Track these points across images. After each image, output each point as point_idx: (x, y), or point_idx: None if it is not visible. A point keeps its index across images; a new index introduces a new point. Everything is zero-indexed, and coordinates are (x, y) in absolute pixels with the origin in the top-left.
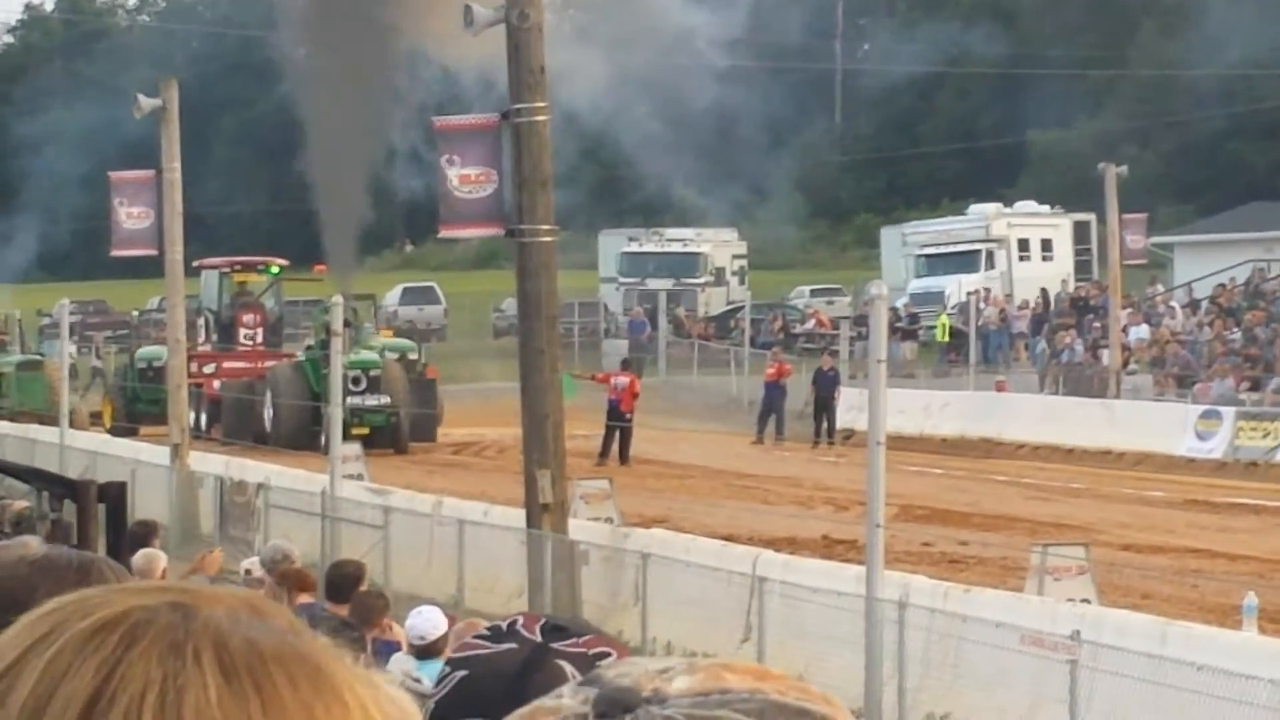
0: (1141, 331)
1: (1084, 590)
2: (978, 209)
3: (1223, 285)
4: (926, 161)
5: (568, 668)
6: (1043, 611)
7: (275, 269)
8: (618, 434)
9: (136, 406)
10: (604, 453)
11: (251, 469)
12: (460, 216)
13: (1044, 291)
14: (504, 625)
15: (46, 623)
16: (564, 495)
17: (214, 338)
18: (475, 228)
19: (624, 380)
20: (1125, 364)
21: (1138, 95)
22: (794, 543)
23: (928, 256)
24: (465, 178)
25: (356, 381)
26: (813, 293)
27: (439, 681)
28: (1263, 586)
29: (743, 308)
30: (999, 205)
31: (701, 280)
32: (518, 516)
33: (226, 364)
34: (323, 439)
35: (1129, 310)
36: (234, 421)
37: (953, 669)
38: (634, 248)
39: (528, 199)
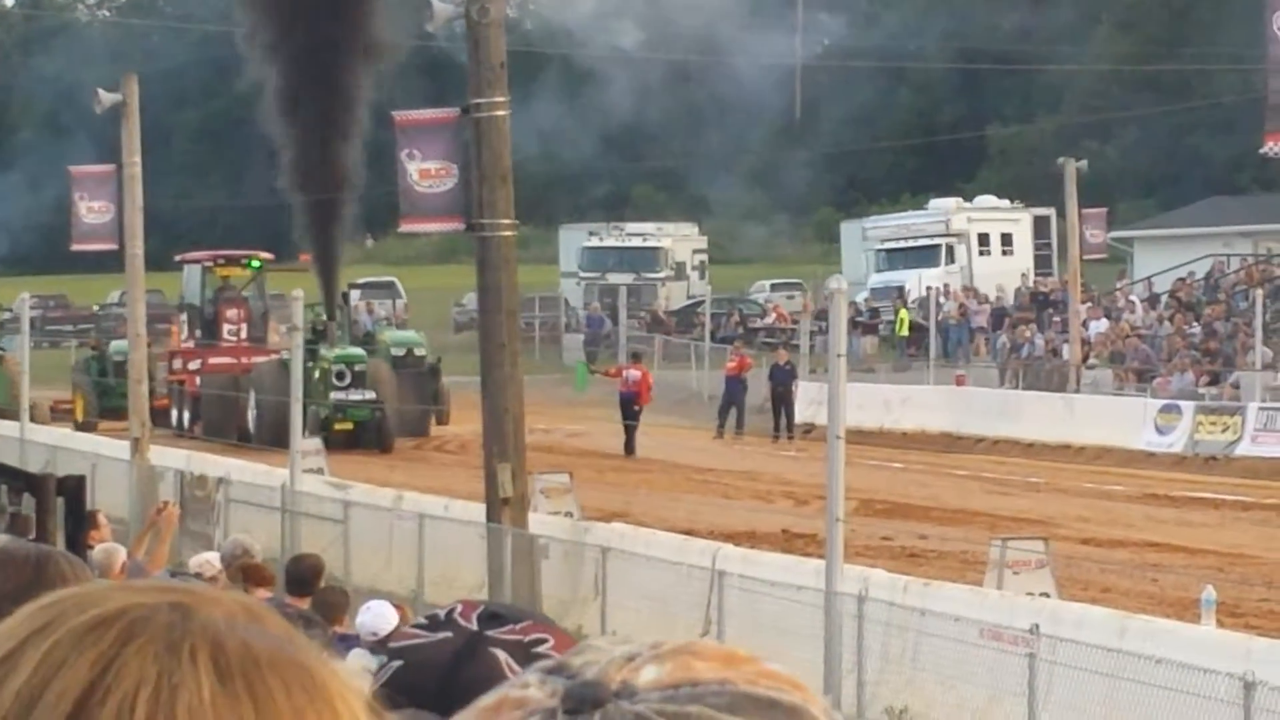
0: (1101, 326)
1: (1043, 584)
2: (938, 204)
3: (1182, 280)
4: (886, 156)
5: (502, 656)
6: (1002, 605)
7: (258, 263)
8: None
9: (111, 401)
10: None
11: (212, 463)
12: (420, 211)
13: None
14: (441, 614)
15: (45, 615)
16: (524, 489)
17: (197, 334)
18: (435, 222)
19: (636, 374)
20: (1085, 358)
21: (1097, 90)
22: (754, 537)
23: (888, 251)
24: (425, 172)
25: (341, 376)
26: (773, 287)
27: (377, 672)
28: (1221, 580)
29: (703, 302)
30: (959, 200)
31: (662, 275)
32: (478, 511)
33: (212, 360)
34: (306, 435)
35: (1089, 305)
36: (215, 419)
37: (912, 663)
38: (594, 242)
39: (488, 193)
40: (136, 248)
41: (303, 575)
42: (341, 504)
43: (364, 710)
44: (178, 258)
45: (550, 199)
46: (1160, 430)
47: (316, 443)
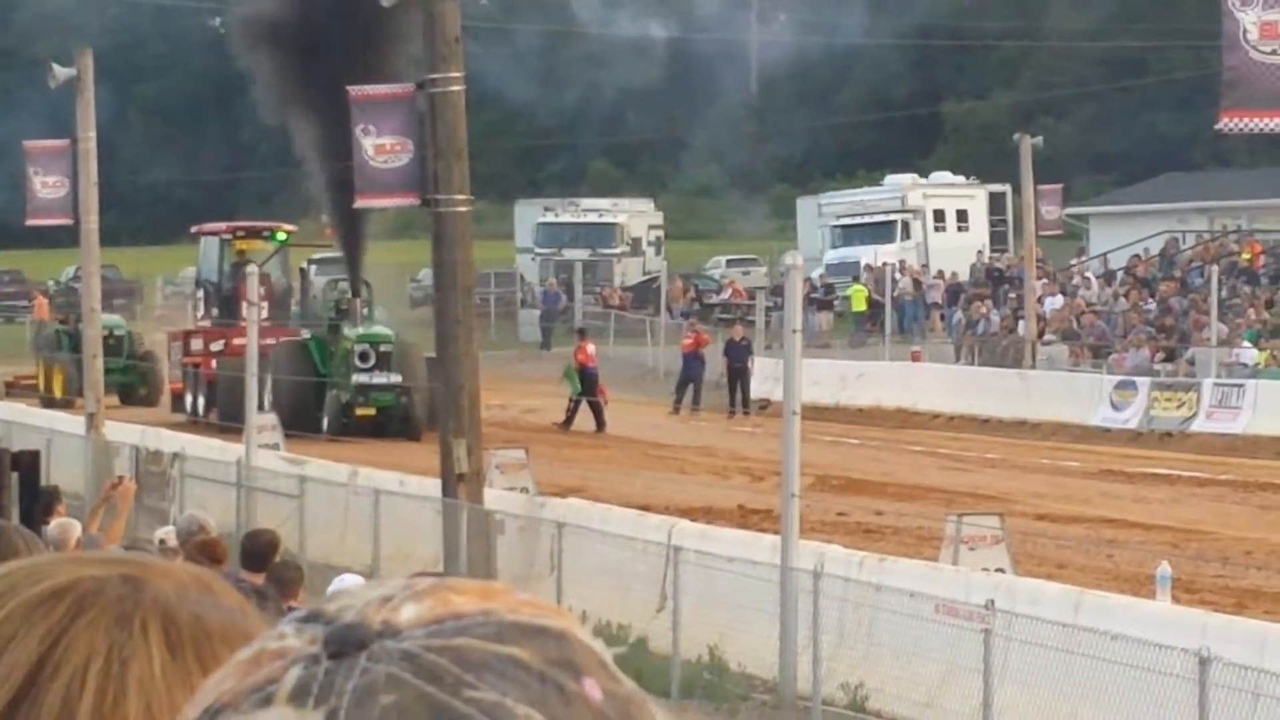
0: (1057, 302)
1: (999, 560)
2: (893, 180)
3: (1138, 256)
4: (842, 132)
5: None
6: (957, 581)
7: (282, 235)
8: (595, 403)
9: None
10: (599, 424)
11: (168, 439)
12: (376, 186)
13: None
14: None
15: None
16: (480, 465)
17: (214, 312)
18: (391, 198)
19: (592, 347)
20: (1040, 335)
21: (1052, 66)
22: (710, 512)
23: (844, 227)
24: (381, 148)
25: (364, 357)
26: (729, 263)
27: None
28: (1176, 556)
29: (659, 278)
30: (915, 176)
31: (617, 250)
32: (433, 486)
33: (236, 341)
34: (324, 421)
35: (1044, 281)
36: (230, 404)
37: (867, 638)
38: (550, 218)
39: (443, 169)
40: (91, 223)
41: (258, 550)
42: (297, 479)
43: None
44: (194, 229)
45: (506, 174)
46: (1116, 406)
47: (272, 418)
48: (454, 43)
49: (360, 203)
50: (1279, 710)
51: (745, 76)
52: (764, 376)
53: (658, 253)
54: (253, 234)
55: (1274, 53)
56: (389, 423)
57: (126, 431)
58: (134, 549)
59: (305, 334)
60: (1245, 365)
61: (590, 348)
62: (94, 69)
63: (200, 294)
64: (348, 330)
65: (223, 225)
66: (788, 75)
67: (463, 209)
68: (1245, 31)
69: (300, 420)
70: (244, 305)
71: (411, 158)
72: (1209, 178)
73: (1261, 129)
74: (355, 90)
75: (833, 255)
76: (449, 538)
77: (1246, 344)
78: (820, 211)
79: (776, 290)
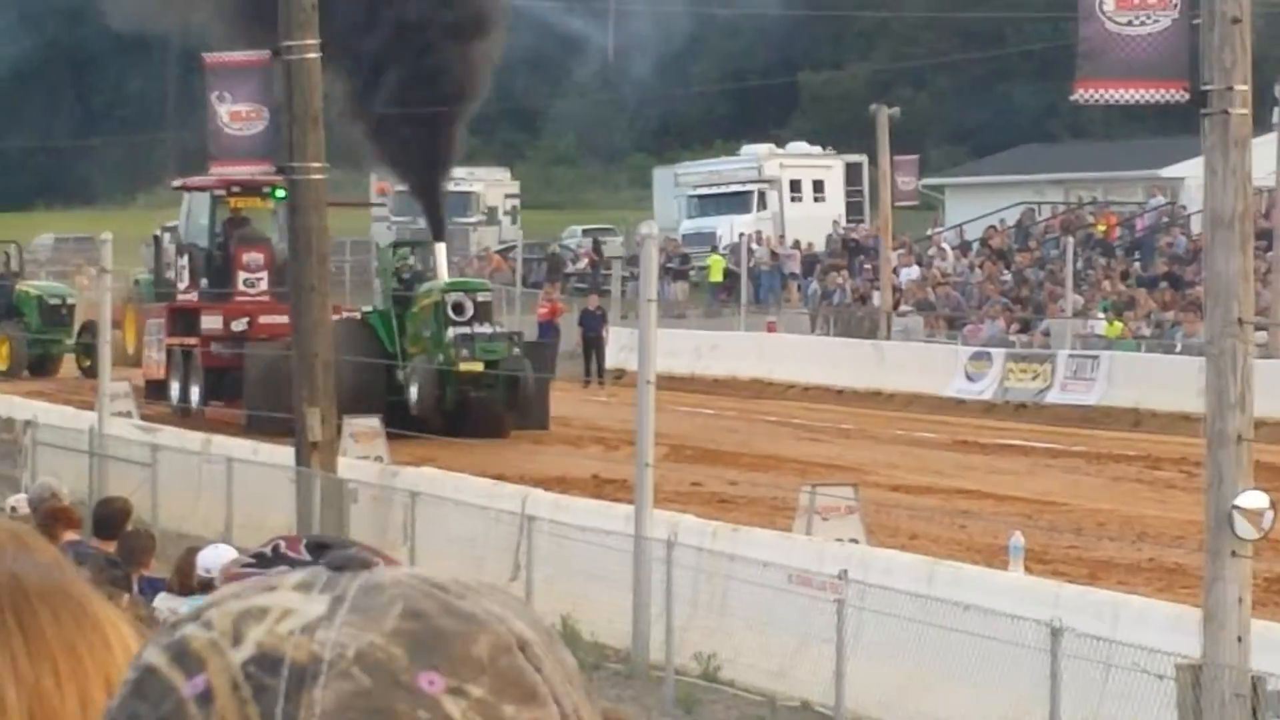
0: (913, 273)
1: (852, 530)
2: (750, 150)
3: (993, 227)
4: (699, 102)
5: None
6: (811, 551)
7: (283, 192)
8: None
9: (35, 350)
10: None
11: (19, 406)
12: (231, 153)
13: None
14: (268, 551)
15: None
16: (333, 433)
17: (202, 283)
18: (246, 164)
19: None
20: (896, 305)
21: (910, 37)
22: (564, 482)
23: (700, 197)
24: (236, 114)
25: (459, 308)
26: (585, 232)
27: None
28: (1029, 527)
29: (515, 247)
30: (771, 146)
31: (473, 220)
32: (287, 455)
33: (263, 319)
34: (412, 398)
35: (900, 251)
36: (261, 396)
37: (720, 608)
38: (405, 186)
39: (299, 136)
40: None
41: (110, 518)
42: (150, 447)
43: (135, 639)
44: (177, 183)
45: (362, 142)
46: (970, 377)
47: (125, 386)
48: (310, 10)
49: (215, 170)
50: (1130, 680)
51: (602, 45)
52: (619, 346)
53: (514, 222)
54: (250, 190)
55: (1130, 23)
56: (496, 390)
57: None
58: None
59: (364, 310)
60: (1100, 337)
61: None
62: None
63: (184, 261)
64: (429, 285)
65: (212, 179)
66: (645, 44)
67: (318, 176)
68: (1101, 2)
69: (368, 411)
70: (239, 275)
71: (267, 125)
72: (1065, 149)
73: (1117, 100)
74: (210, 57)
75: (689, 225)
76: (302, 506)
77: (1101, 315)
78: (677, 181)
79: (632, 260)
